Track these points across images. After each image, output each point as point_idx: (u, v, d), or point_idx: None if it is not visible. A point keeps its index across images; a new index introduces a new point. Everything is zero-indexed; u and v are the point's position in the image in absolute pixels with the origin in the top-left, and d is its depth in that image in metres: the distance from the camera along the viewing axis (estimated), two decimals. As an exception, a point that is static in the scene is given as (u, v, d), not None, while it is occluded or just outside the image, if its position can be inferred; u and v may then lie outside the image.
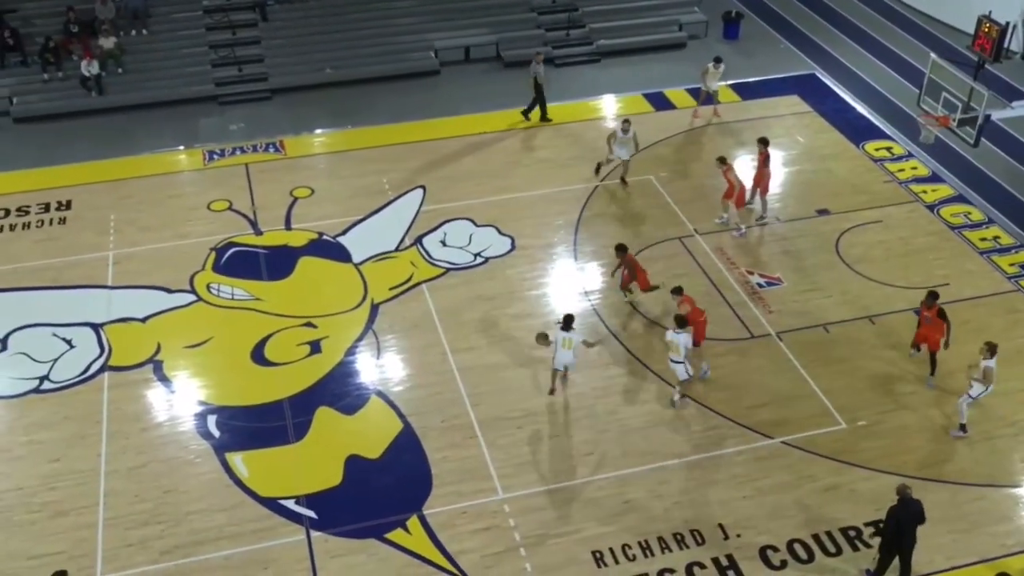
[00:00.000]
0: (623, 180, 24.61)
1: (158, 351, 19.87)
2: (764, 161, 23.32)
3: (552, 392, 18.88)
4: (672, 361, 18.35)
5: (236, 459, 17.62)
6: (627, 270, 20.73)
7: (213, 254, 22.37)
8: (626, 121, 24.28)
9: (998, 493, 17.11)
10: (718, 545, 16.22)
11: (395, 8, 31.42)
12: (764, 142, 23.48)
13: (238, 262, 22.14)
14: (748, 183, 23.34)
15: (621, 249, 20.65)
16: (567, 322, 18.36)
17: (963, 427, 18.00)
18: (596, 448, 17.85)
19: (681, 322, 18.23)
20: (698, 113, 27.35)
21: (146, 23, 29.85)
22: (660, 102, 28.27)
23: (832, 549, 16.17)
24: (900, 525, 15.07)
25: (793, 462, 17.56)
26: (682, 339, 18.03)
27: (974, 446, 17.89)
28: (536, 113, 27.32)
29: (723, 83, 27.84)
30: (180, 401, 18.85)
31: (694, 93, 28.40)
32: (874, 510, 16.54)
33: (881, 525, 15.77)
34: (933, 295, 19.03)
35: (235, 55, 29.53)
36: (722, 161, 22.87)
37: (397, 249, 22.60)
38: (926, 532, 15.35)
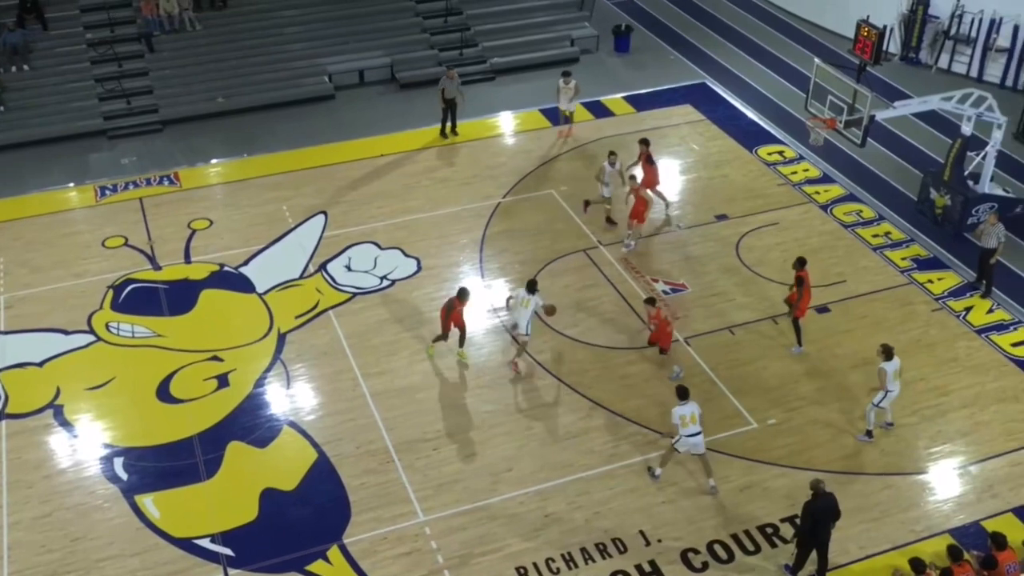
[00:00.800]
0: (608, 220, 23.96)
1: (58, 395, 19.27)
2: (647, 160, 23.79)
3: (516, 370, 19.59)
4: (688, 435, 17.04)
5: (146, 501, 17.16)
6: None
7: (111, 292, 21.80)
8: (612, 154, 23.80)
9: (905, 481, 17.64)
10: (640, 552, 16.37)
11: (286, 34, 31.18)
12: (645, 142, 23.98)
13: (137, 299, 21.62)
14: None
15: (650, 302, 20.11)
16: (530, 286, 19.25)
17: (868, 432, 18.33)
18: (514, 464, 17.88)
19: (683, 393, 17.11)
20: (563, 132, 27.33)
21: (27, 59, 29.02)
22: (557, 117, 28.51)
23: (751, 547, 16.46)
24: (815, 519, 15.41)
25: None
26: (687, 410, 16.90)
27: (880, 437, 18.41)
28: (460, 128, 27.48)
29: (577, 101, 27.42)
30: (84, 445, 18.29)
31: (590, 107, 28.80)
32: (789, 506, 16.91)
33: (797, 520, 16.12)
34: (800, 260, 19.91)
35: (123, 88, 28.89)
36: (633, 179, 23.06)
37: (301, 277, 22.35)
38: (839, 523, 15.73)
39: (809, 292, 19.99)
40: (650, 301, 20.02)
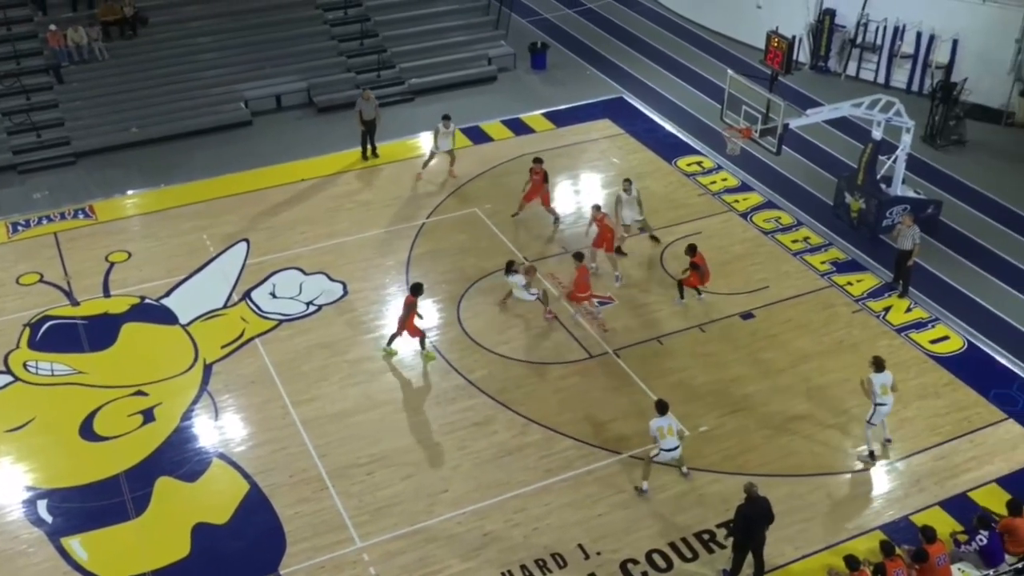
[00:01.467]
0: (653, 238, 24.05)
1: (-25, 439, 18.71)
2: (542, 179, 24.11)
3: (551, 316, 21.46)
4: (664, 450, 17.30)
5: (73, 543, 16.69)
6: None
7: (27, 330, 21.23)
8: (627, 181, 23.75)
9: (835, 480, 17.95)
10: (580, 566, 16.39)
11: (200, 61, 30.80)
12: (538, 161, 24.30)
13: (56, 336, 21.10)
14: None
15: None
16: (506, 269, 21.18)
17: (871, 453, 18.21)
18: (450, 484, 17.80)
19: (661, 407, 17.22)
20: (421, 175, 26.52)
21: (-70, 94, 28.26)
22: (477, 136, 28.63)
23: (689, 554, 16.58)
24: (749, 523, 15.61)
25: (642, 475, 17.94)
26: (665, 422, 17.11)
27: (809, 438, 18.73)
28: (380, 150, 27.36)
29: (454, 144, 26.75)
30: (5, 489, 17.72)
31: (510, 125, 28.94)
32: (724, 511, 17.05)
33: (731, 525, 16.30)
34: (691, 247, 21.27)
35: (32, 121, 28.22)
36: (597, 208, 22.78)
37: (225, 306, 22.04)
38: (775, 525, 15.94)
39: (708, 272, 21.15)
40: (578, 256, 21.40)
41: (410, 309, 20.11)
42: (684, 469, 17.86)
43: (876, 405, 17.80)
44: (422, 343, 20.47)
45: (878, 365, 17.82)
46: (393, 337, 20.56)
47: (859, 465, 18.22)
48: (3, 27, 29.87)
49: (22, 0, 30.34)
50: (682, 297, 21.73)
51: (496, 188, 26.13)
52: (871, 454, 18.27)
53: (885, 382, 17.79)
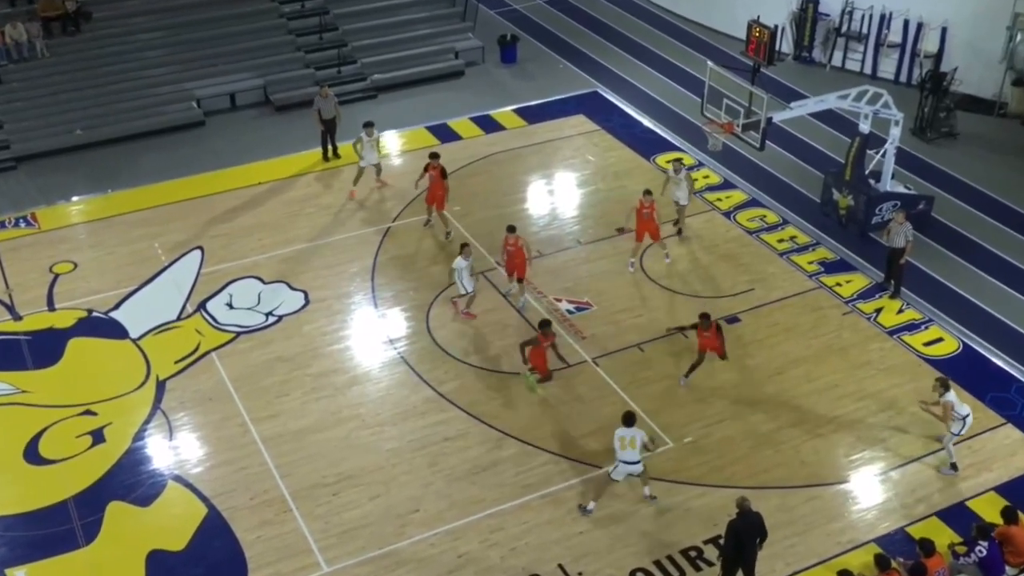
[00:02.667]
0: (678, 229, 24.33)
1: (-89, 465, 18.51)
2: (440, 175, 24.11)
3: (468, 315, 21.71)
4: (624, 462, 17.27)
5: (19, 574, 16.51)
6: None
7: (-34, 347, 21.10)
8: (678, 160, 24.34)
9: (827, 491, 18.06)
10: (560, 587, 16.41)
11: (148, 58, 30.63)
12: (434, 156, 24.39)
13: (-3, 353, 20.99)
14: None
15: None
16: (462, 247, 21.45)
17: (953, 465, 18.34)
18: (421, 504, 17.76)
19: (628, 419, 17.23)
20: (354, 193, 25.89)
21: None
22: (445, 134, 28.63)
23: (675, 572, 16.61)
24: (740, 539, 15.65)
25: (626, 488, 17.94)
26: (628, 433, 17.10)
27: (799, 447, 18.84)
28: (341, 150, 27.31)
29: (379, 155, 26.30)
30: (-56, 518, 17.59)
31: (479, 122, 28.98)
32: (711, 526, 17.12)
33: (721, 541, 16.34)
34: (705, 316, 19.74)
35: (-32, 124, 28.04)
36: (647, 193, 22.88)
37: (179, 318, 21.93)
38: (766, 541, 16.00)
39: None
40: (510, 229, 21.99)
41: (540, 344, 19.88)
42: (646, 491, 17.68)
43: (963, 419, 17.94)
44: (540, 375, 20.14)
45: (947, 385, 17.93)
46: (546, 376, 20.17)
47: (851, 475, 18.33)
48: (-64, 24, 29.64)
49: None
50: (686, 376, 20.26)
51: (465, 189, 26.11)
52: (953, 465, 18.35)
53: (956, 397, 17.98)
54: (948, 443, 18.34)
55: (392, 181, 26.50)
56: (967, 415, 18.05)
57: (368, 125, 25.80)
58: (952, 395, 17.91)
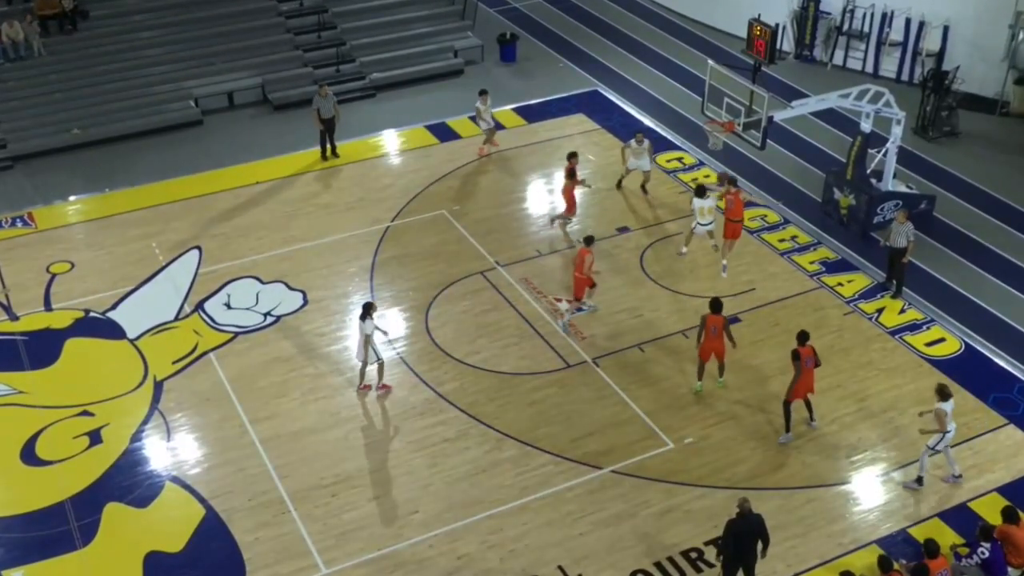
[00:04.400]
0: (643, 188, 25.82)
1: (-93, 466, 18.53)
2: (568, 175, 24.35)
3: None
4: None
5: (16, 576, 16.61)
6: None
7: (-38, 348, 21.13)
8: (640, 133, 25.75)
9: (829, 492, 18.06)
10: (560, 589, 16.42)
11: (145, 57, 30.64)
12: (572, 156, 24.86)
13: (-7, 353, 21.01)
14: None
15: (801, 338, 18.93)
16: (364, 310, 19.43)
17: (920, 479, 18.02)
18: (420, 505, 17.77)
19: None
20: (483, 150, 27.32)
21: None
22: (444, 133, 28.65)
23: (675, 574, 16.62)
24: (739, 540, 15.64)
25: (626, 490, 18.00)
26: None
27: (801, 448, 18.85)
28: (340, 149, 27.41)
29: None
30: (-59, 519, 17.62)
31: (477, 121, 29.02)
32: (712, 528, 17.12)
33: (720, 542, 16.35)
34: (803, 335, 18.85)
35: (-36, 123, 28.07)
36: (733, 182, 23.47)
37: (176, 318, 21.94)
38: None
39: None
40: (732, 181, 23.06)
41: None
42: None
43: (945, 433, 17.58)
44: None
45: (945, 394, 17.51)
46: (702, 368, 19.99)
47: (852, 476, 18.34)
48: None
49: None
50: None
51: (465, 188, 26.15)
52: (920, 479, 18.10)
53: (952, 408, 17.58)
54: (924, 456, 17.96)
55: (392, 181, 26.52)
56: (950, 432, 17.62)
57: (483, 93, 27.14)
58: (947, 405, 17.43)
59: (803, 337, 18.67)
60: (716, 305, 19.48)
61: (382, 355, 19.90)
